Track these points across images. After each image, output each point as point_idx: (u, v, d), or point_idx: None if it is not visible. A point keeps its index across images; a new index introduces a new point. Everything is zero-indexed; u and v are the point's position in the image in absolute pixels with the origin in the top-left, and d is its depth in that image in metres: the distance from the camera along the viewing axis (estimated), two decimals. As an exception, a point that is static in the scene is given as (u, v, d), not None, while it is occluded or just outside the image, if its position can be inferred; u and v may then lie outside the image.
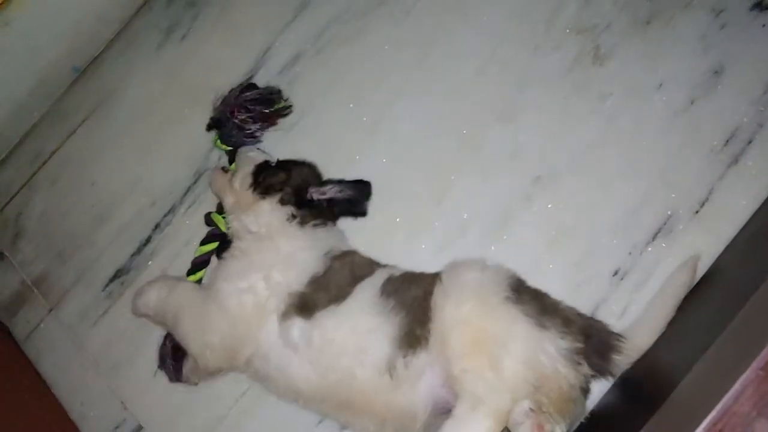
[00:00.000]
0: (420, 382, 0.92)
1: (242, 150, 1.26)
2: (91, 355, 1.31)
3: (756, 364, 0.50)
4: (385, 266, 1.09)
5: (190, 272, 1.23)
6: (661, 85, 1.20)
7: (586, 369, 0.90)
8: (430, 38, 1.35)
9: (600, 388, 1.03)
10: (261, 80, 1.41)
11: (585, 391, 0.92)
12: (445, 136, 1.27)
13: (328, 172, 1.29)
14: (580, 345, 0.89)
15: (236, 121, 1.27)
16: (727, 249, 1.08)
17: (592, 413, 1.01)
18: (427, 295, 0.98)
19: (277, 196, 1.14)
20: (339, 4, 1.42)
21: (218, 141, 1.29)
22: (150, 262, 1.34)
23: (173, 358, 1.18)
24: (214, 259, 1.24)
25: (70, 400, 1.29)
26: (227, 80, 1.42)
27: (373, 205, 1.25)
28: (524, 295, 0.94)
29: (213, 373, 1.11)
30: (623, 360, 0.93)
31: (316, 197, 1.14)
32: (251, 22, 1.47)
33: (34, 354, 1.35)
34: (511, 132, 1.24)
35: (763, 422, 0.49)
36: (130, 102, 1.48)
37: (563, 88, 1.24)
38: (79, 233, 1.41)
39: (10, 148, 1.54)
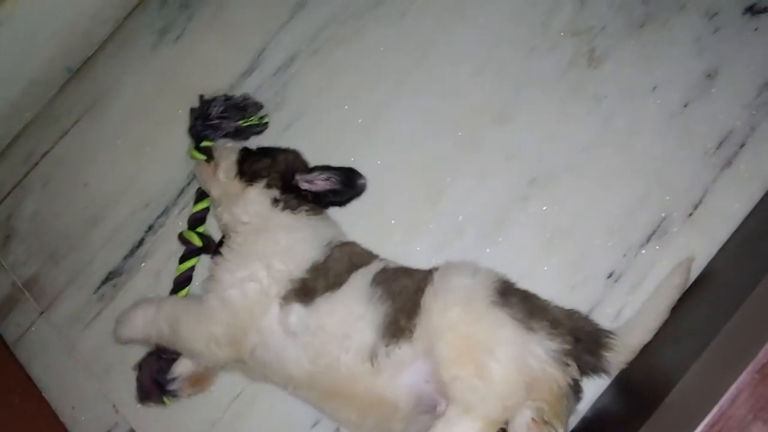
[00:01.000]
0: (402, 374, 0.93)
1: (220, 142, 1.24)
2: (83, 358, 1.30)
3: (752, 367, 0.50)
4: (383, 259, 1.09)
5: (173, 291, 1.22)
6: (655, 87, 1.21)
7: (574, 370, 0.91)
8: (426, 39, 1.35)
9: (595, 391, 1.03)
10: (256, 81, 1.41)
11: (576, 389, 0.93)
12: (441, 137, 1.27)
13: (324, 173, 1.29)
14: (568, 346, 0.90)
15: (207, 129, 1.26)
16: (721, 251, 1.09)
17: (588, 417, 1.02)
18: (418, 290, 0.98)
19: (264, 181, 1.14)
20: (335, 4, 1.41)
21: (194, 151, 1.26)
22: (143, 264, 1.33)
23: (156, 379, 1.15)
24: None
25: (62, 404, 1.28)
26: (222, 81, 1.42)
27: (369, 206, 1.25)
28: (512, 297, 0.94)
29: (217, 367, 1.12)
30: (614, 357, 0.93)
31: (305, 186, 1.14)
32: (246, 22, 1.46)
33: (25, 357, 1.34)
34: (507, 134, 1.24)
35: (760, 425, 0.49)
36: (123, 103, 1.47)
37: (559, 90, 1.25)
38: (71, 235, 1.40)
39: (2, 148, 1.53)
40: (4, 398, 1.26)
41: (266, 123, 1.32)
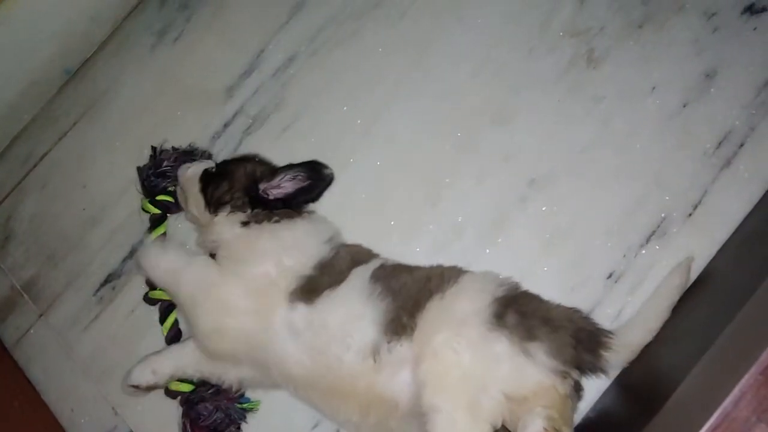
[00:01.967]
0: (402, 373, 0.93)
1: (181, 170, 1.21)
2: (82, 360, 1.30)
3: (755, 368, 0.49)
4: (382, 257, 1.10)
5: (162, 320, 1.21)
6: (654, 88, 1.21)
7: (576, 375, 0.91)
8: (425, 40, 1.35)
9: (597, 391, 1.03)
10: (255, 82, 1.41)
11: (577, 388, 0.93)
12: (440, 138, 1.27)
13: (323, 174, 1.29)
14: (565, 368, 0.89)
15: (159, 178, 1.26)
16: (720, 251, 1.09)
17: (590, 417, 1.01)
18: (422, 289, 0.98)
19: (227, 208, 1.11)
20: (334, 5, 1.41)
21: (146, 203, 1.26)
22: (142, 266, 1.33)
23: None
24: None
25: (61, 407, 1.28)
26: (221, 82, 1.42)
27: (368, 207, 1.25)
28: (509, 318, 0.92)
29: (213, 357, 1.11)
30: (613, 357, 0.93)
31: (272, 195, 1.12)
32: (245, 23, 1.46)
33: (23, 360, 1.34)
34: (506, 134, 1.24)
35: (763, 428, 0.48)
36: (122, 104, 1.47)
37: (558, 91, 1.24)
38: (70, 237, 1.39)
39: (0, 150, 1.52)
40: (3, 401, 1.25)
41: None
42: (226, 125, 1.39)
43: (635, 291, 1.10)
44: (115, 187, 1.39)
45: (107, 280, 1.34)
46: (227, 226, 1.10)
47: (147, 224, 1.30)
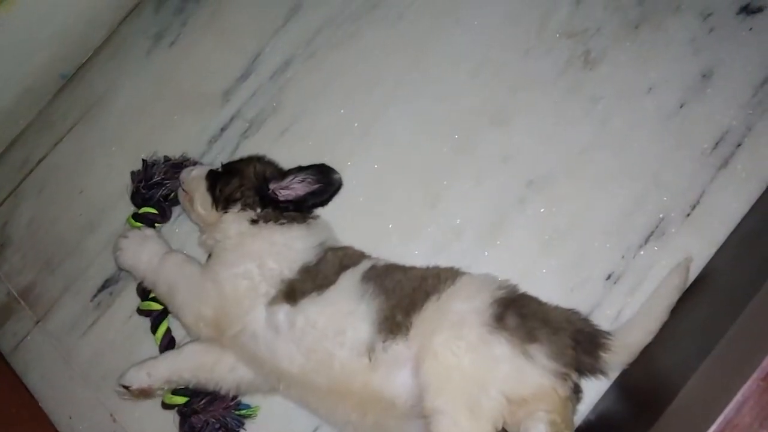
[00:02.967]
0: (399, 372, 0.93)
1: (185, 172, 1.22)
2: (80, 367, 1.29)
3: (757, 374, 0.49)
4: (373, 258, 1.10)
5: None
6: (651, 88, 1.21)
7: (575, 377, 0.91)
8: (422, 42, 1.34)
9: (596, 393, 1.03)
10: (252, 85, 1.40)
11: (576, 390, 0.93)
12: (438, 140, 1.27)
13: (321, 177, 1.29)
14: (565, 370, 0.89)
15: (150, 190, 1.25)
16: (719, 252, 1.09)
17: (590, 419, 1.01)
18: (417, 288, 0.98)
19: (238, 205, 1.12)
20: (331, 7, 1.41)
21: (131, 219, 1.25)
22: (140, 271, 1.32)
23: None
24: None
25: (59, 414, 1.27)
26: (218, 86, 1.42)
27: (367, 209, 1.25)
28: (509, 319, 0.92)
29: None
30: (611, 358, 0.93)
31: (282, 196, 1.12)
32: (241, 26, 1.46)
33: (21, 367, 1.33)
34: (504, 135, 1.24)
35: (766, 434, 0.48)
36: (118, 109, 1.46)
37: (555, 92, 1.24)
38: (67, 242, 1.39)
39: (-5, 155, 1.52)
40: (1, 409, 1.24)
41: None
42: (223, 129, 1.39)
43: (634, 292, 1.10)
44: (112, 192, 1.39)
45: (105, 286, 1.33)
46: (236, 222, 1.11)
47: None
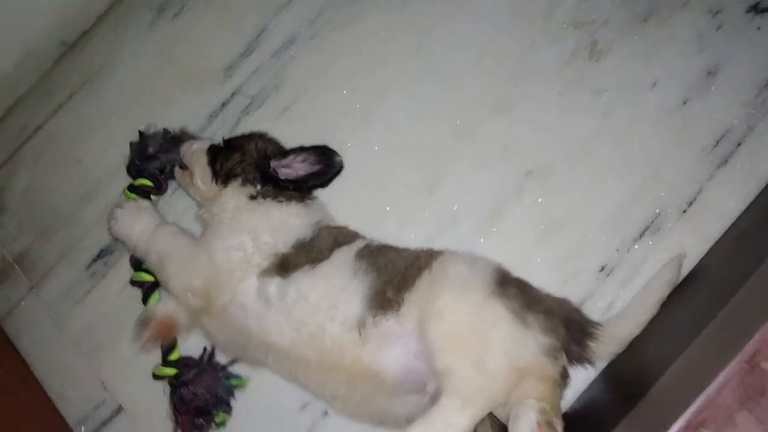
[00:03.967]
0: (390, 346, 0.94)
1: (185, 146, 1.22)
2: (73, 334, 1.30)
3: (741, 356, 0.50)
4: (367, 238, 1.10)
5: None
6: (655, 83, 1.20)
7: (564, 361, 0.92)
8: (427, 26, 1.33)
9: (582, 384, 1.04)
10: (254, 62, 1.39)
11: (564, 375, 0.94)
12: (439, 126, 1.26)
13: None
14: (559, 343, 0.91)
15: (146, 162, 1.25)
16: (713, 249, 1.09)
17: (575, 408, 1.02)
18: (409, 266, 0.99)
19: (238, 180, 1.13)
20: (336, -13, 1.40)
21: (126, 191, 1.24)
22: (135, 243, 1.32)
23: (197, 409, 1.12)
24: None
25: (50, 379, 1.28)
26: (220, 61, 1.41)
27: (365, 192, 1.25)
28: (509, 288, 0.94)
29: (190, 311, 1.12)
30: (599, 348, 0.94)
31: (283, 174, 1.12)
32: (246, 2, 1.44)
33: (13, 332, 1.33)
34: (505, 124, 1.24)
35: (745, 414, 0.49)
36: (119, 79, 1.45)
37: (559, 82, 1.24)
38: (63, 211, 1.38)
39: (-6, 121, 1.51)
40: (-8, 372, 1.25)
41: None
42: (224, 104, 1.38)
43: (626, 285, 1.11)
44: (110, 163, 1.38)
45: (100, 256, 1.33)
46: (235, 197, 1.11)
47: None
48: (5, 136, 1.49)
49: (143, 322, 1.13)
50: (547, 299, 0.97)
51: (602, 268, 1.13)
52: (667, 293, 1.00)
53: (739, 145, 1.14)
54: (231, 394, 1.14)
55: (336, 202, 1.20)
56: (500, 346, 0.88)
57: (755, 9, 1.20)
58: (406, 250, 1.06)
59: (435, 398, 0.88)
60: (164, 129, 1.29)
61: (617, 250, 1.13)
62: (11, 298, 1.35)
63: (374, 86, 1.31)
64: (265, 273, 1.04)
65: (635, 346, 0.96)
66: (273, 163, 1.13)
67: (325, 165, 1.13)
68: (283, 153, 1.15)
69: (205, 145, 1.20)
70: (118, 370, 1.23)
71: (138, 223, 1.17)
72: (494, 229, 1.19)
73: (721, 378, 0.50)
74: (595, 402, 0.99)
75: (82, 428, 1.23)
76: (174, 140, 1.27)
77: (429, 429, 0.85)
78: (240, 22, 1.42)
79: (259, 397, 1.17)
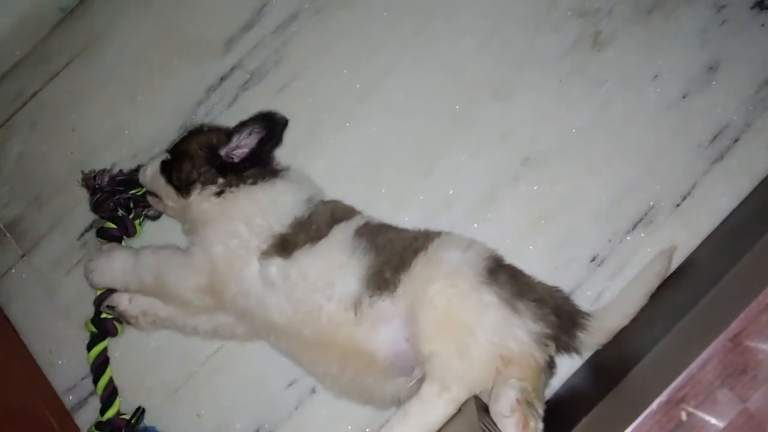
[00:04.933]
0: (383, 327, 0.94)
1: (141, 176, 1.20)
2: (63, 303, 1.29)
3: (725, 335, 0.51)
4: (366, 215, 1.10)
5: (95, 380, 1.18)
6: (656, 76, 1.20)
7: (552, 350, 0.93)
8: (431, 9, 1.32)
9: (568, 372, 1.05)
10: (255, 37, 1.38)
11: (551, 365, 0.95)
12: (438, 109, 1.26)
13: (317, 136, 1.28)
14: (549, 330, 0.91)
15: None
16: (703, 244, 1.10)
17: (560, 394, 1.04)
18: (407, 246, 0.99)
19: (197, 186, 1.11)
20: (340, -36, 1.38)
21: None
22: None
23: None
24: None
25: (39, 347, 1.28)
26: (221, 34, 1.39)
27: (360, 173, 1.24)
28: (500, 276, 0.94)
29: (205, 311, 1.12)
30: (588, 338, 0.95)
31: (237, 157, 1.11)
32: (249, -26, 1.42)
33: (3, 298, 1.33)
34: (504, 111, 1.23)
35: (726, 392, 0.50)
36: (117, 47, 1.43)
37: (560, 71, 1.24)
38: (57, 179, 1.37)
39: (-11, 86, 1.49)
40: (-20, 337, 1.25)
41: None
42: (222, 78, 1.37)
43: (617, 276, 1.11)
44: (105, 133, 1.37)
45: (92, 226, 1.32)
46: (202, 202, 1.10)
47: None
48: (0, 101, 1.47)
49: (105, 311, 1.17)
50: (539, 287, 0.98)
51: (593, 258, 1.13)
52: (656, 285, 1.01)
53: (735, 141, 1.15)
54: None
55: (331, 180, 1.19)
56: (485, 333, 0.88)
57: (760, 5, 1.20)
58: (405, 231, 1.06)
59: (422, 382, 0.89)
60: (102, 170, 1.28)
61: (609, 240, 1.14)
62: (1, 266, 1.35)
63: (375, 67, 1.30)
64: (266, 255, 1.03)
65: (622, 336, 0.97)
66: (222, 152, 1.11)
67: (270, 128, 1.12)
68: (228, 136, 1.13)
69: (156, 165, 1.18)
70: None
71: (115, 262, 1.15)
72: (488, 215, 1.19)
73: (704, 355, 0.51)
74: (579, 387, 1.00)
75: (70, 397, 1.24)
76: (123, 181, 1.25)
77: (408, 413, 0.87)
78: (243, -6, 1.41)
79: (247, 374, 1.18)
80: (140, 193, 1.24)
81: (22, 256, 1.35)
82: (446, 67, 1.28)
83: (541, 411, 0.85)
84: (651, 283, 1.01)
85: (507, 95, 1.24)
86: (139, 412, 1.15)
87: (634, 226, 1.14)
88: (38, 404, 1.20)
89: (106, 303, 1.17)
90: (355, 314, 0.95)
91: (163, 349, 1.21)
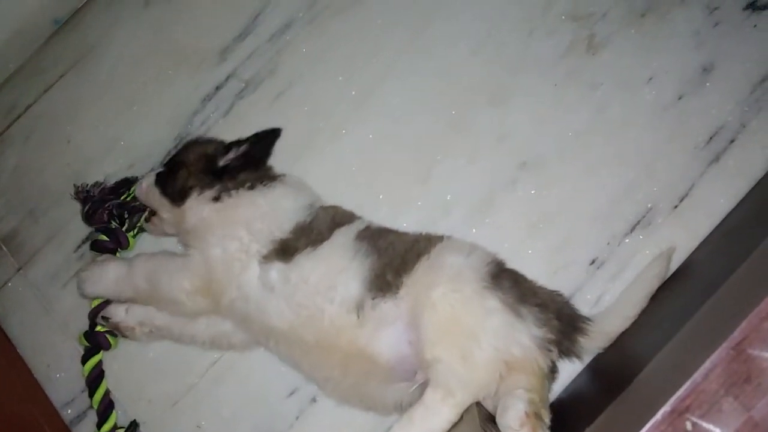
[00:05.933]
0: (386, 330, 0.94)
1: (138, 190, 1.21)
2: (60, 316, 1.29)
3: (728, 343, 0.50)
4: (366, 220, 1.10)
5: (90, 394, 1.17)
6: (651, 78, 1.20)
7: (555, 355, 0.93)
8: (425, 15, 1.32)
9: (569, 376, 1.05)
10: (250, 46, 1.38)
11: (553, 370, 0.95)
12: (434, 115, 1.26)
13: (313, 143, 1.28)
14: (552, 336, 0.91)
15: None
16: (702, 245, 1.10)
17: (562, 399, 1.03)
18: (409, 250, 0.99)
19: (195, 192, 1.11)
20: (334, -28, 1.38)
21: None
22: (125, 225, 1.31)
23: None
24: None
25: (36, 361, 1.27)
26: (215, 43, 1.39)
27: (358, 180, 1.24)
28: (504, 281, 0.94)
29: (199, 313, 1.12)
30: (588, 343, 0.95)
31: (233, 161, 1.12)
32: (243, -16, 1.42)
33: (0, 312, 1.32)
34: (501, 115, 1.24)
35: (730, 401, 0.50)
36: (112, 59, 1.43)
37: (555, 75, 1.24)
38: (52, 191, 1.37)
39: (-17, 99, 1.49)
40: (-23, 352, 1.24)
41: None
42: (218, 88, 1.37)
43: (616, 278, 1.11)
44: (100, 144, 1.37)
45: (88, 238, 1.31)
46: (199, 207, 1.10)
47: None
48: (-6, 115, 1.47)
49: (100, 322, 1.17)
50: (541, 292, 0.98)
51: (593, 261, 1.13)
52: (656, 287, 1.01)
53: (731, 142, 1.15)
54: None
55: (328, 188, 1.19)
56: (489, 338, 0.88)
57: (752, 6, 1.21)
58: (406, 234, 1.06)
59: (424, 387, 0.89)
60: (96, 183, 1.27)
61: (608, 243, 1.14)
62: (-2, 279, 1.34)
63: (370, 73, 1.30)
64: (266, 259, 1.03)
65: (622, 339, 0.96)
66: (221, 162, 1.13)
67: (261, 135, 1.16)
68: (225, 148, 1.14)
69: (152, 177, 1.18)
70: (106, 354, 1.22)
71: (108, 271, 1.15)
72: (487, 220, 1.19)
73: (707, 364, 0.50)
74: (582, 392, 1.00)
75: (69, 411, 1.23)
76: (112, 188, 1.25)
77: (412, 419, 0.86)
78: (237, 3, 1.41)
79: (247, 384, 1.17)
80: (129, 196, 1.23)
81: (19, 270, 1.34)
82: (442, 72, 1.28)
83: (547, 421, 0.84)
84: (650, 285, 1.01)
85: (503, 100, 1.25)
86: (133, 426, 1.14)
87: (633, 229, 1.14)
88: (36, 418, 1.19)
89: (102, 314, 1.17)
90: (358, 317, 0.95)
91: (163, 360, 1.20)
